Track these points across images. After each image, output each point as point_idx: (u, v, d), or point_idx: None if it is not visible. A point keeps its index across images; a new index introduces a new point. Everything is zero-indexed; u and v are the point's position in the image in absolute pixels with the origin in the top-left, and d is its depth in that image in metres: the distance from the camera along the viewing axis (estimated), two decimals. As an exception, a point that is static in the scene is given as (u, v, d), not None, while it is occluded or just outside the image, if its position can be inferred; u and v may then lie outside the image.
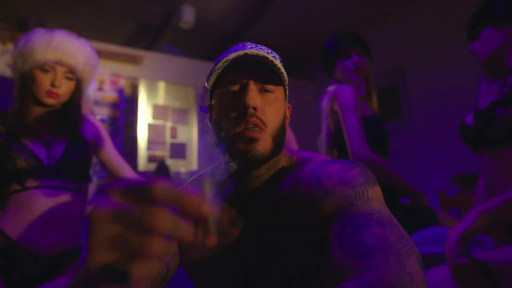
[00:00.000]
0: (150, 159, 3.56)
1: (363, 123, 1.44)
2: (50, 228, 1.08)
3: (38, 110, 1.18)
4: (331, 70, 1.63)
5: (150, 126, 3.64)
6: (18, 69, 1.17)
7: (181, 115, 3.85)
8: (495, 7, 1.08)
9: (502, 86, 1.03)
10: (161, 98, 3.74)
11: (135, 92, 3.63)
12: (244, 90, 0.64)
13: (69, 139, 1.20)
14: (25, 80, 1.16)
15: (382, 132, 1.52)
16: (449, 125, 2.92)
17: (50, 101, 1.17)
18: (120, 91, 3.63)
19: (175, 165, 3.65)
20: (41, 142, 1.15)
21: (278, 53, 0.73)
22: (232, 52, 0.65)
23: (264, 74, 0.65)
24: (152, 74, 3.86)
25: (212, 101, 0.70)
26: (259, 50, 0.64)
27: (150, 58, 3.90)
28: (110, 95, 3.58)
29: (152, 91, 3.68)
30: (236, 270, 0.67)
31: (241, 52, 0.62)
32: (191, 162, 3.80)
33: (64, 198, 1.12)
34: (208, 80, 0.68)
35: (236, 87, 0.65)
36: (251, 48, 0.66)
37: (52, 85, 1.15)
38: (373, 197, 0.59)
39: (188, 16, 3.37)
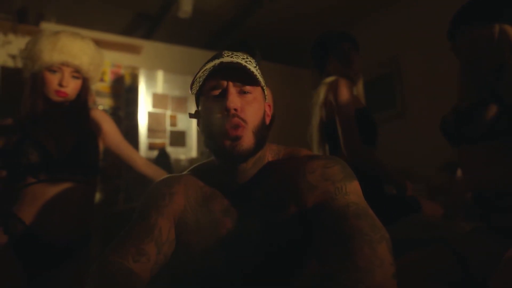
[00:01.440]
0: (151, 147, 3.64)
1: (356, 115, 1.53)
2: (62, 218, 1.18)
3: (48, 107, 1.26)
4: (323, 65, 1.70)
5: (150, 115, 3.71)
6: (28, 70, 1.25)
7: (180, 103, 3.91)
8: (486, 4, 1.11)
9: (484, 86, 1.10)
10: (160, 87, 3.79)
11: (135, 81, 3.69)
12: (225, 93, 0.72)
13: (78, 134, 1.28)
14: (35, 80, 1.24)
15: (371, 125, 1.61)
16: (441, 114, 2.98)
17: (59, 99, 1.25)
18: (121, 81, 3.69)
19: (175, 153, 3.73)
20: (52, 138, 1.24)
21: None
22: (209, 62, 0.73)
23: (242, 77, 0.73)
24: (151, 63, 3.90)
25: (199, 107, 0.79)
26: (234, 58, 0.72)
27: (149, 47, 3.94)
28: (111, 85, 3.64)
29: (151, 80, 3.73)
30: (227, 254, 0.75)
31: (217, 61, 0.71)
32: (191, 149, 3.89)
33: (75, 190, 1.22)
34: (191, 88, 0.76)
35: (217, 92, 0.73)
36: (227, 56, 0.73)
37: (60, 84, 1.22)
38: (351, 192, 0.68)
39: (186, 4, 3.40)
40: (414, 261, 1.08)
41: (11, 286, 0.94)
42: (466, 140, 1.10)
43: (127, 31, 4.05)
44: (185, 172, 0.87)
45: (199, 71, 0.73)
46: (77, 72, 1.27)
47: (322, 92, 1.60)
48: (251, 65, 0.74)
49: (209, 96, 0.74)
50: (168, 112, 3.82)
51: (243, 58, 0.74)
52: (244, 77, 0.73)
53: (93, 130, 1.35)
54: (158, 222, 0.75)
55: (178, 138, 3.85)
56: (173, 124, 3.83)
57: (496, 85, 1.03)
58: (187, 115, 3.89)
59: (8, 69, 3.22)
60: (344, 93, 1.51)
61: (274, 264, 0.73)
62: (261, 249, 0.73)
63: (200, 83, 0.75)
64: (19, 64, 3.21)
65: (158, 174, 1.39)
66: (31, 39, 1.27)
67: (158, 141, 3.67)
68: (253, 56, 1.75)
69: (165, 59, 4.05)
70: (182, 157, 3.77)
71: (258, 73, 0.76)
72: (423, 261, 1.07)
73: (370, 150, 1.54)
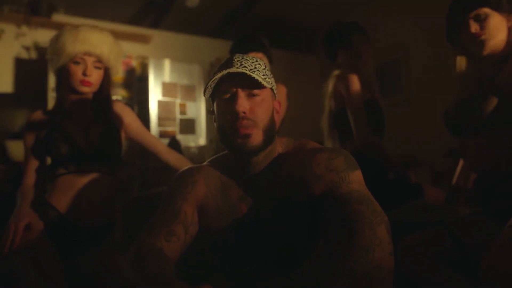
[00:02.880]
0: (161, 134, 3.73)
1: (364, 106, 1.60)
2: (90, 206, 1.27)
3: (74, 98, 1.35)
4: (333, 57, 1.76)
5: (160, 103, 3.79)
6: (54, 65, 1.33)
7: (189, 92, 3.98)
8: None
9: (488, 77, 1.16)
10: (170, 75, 3.86)
11: (145, 70, 3.76)
12: (234, 97, 0.80)
13: (104, 127, 1.36)
14: (61, 74, 1.33)
15: (379, 115, 1.68)
16: (448, 101, 3.01)
17: (85, 89, 1.33)
18: (132, 71, 3.76)
19: (185, 140, 3.82)
20: (80, 130, 1.32)
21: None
22: (220, 70, 0.81)
23: (250, 81, 0.80)
24: (159, 52, 3.96)
25: (214, 107, 0.87)
26: (241, 68, 0.79)
27: (158, 36, 3.99)
28: (123, 75, 3.71)
29: (160, 69, 3.80)
30: (243, 236, 0.84)
31: (224, 72, 0.78)
32: (200, 137, 3.97)
33: (101, 180, 1.31)
34: (204, 93, 0.85)
35: (228, 95, 0.81)
36: (236, 63, 0.80)
37: (84, 74, 1.30)
38: (354, 180, 0.76)
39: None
40: (416, 242, 1.16)
41: (49, 265, 1.04)
42: (466, 130, 1.16)
43: (135, 21, 4.09)
44: (204, 163, 0.95)
45: (210, 80, 0.82)
46: (99, 62, 1.34)
47: (331, 84, 1.67)
48: (260, 68, 0.81)
49: (221, 99, 0.82)
50: (178, 101, 3.89)
51: (252, 63, 0.81)
52: (252, 82, 0.80)
53: (116, 123, 1.42)
54: (183, 207, 0.85)
55: (188, 126, 3.93)
56: (183, 112, 3.91)
57: (495, 78, 1.09)
58: (196, 103, 3.99)
59: (22, 61, 3.31)
60: (352, 86, 1.58)
61: (285, 245, 0.82)
62: (272, 232, 0.82)
63: (213, 88, 0.83)
64: (33, 55, 3.30)
65: (181, 161, 1.45)
66: (54, 36, 1.34)
67: (168, 129, 3.76)
68: (262, 49, 1.82)
69: (174, 48, 4.10)
70: (192, 144, 3.86)
71: (267, 75, 0.83)
72: (424, 243, 1.16)
73: (378, 141, 1.62)
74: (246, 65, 0.80)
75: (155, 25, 4.17)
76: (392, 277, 0.64)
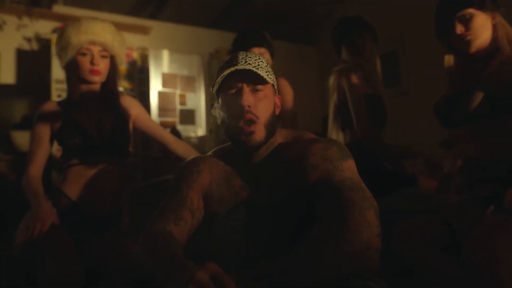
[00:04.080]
0: (162, 125, 3.76)
1: (365, 100, 1.66)
2: (101, 195, 1.34)
3: (84, 90, 1.40)
4: (338, 52, 1.84)
5: (160, 94, 3.83)
6: (63, 60, 1.38)
7: (189, 82, 4.02)
8: None
9: (474, 73, 1.22)
10: (169, 66, 3.89)
11: (145, 62, 3.79)
12: (240, 92, 0.86)
13: (114, 120, 1.41)
14: (70, 67, 1.38)
15: (381, 110, 1.74)
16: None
17: (94, 78, 1.38)
18: (133, 63, 3.78)
19: (185, 131, 3.86)
20: (93, 123, 1.38)
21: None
22: (226, 66, 0.87)
23: (254, 77, 0.86)
24: (159, 43, 3.98)
25: (219, 101, 0.92)
26: (246, 65, 0.85)
27: (157, 27, 4.00)
28: (124, 67, 3.74)
29: (160, 60, 3.83)
30: (245, 221, 0.90)
31: (232, 69, 0.84)
32: (200, 127, 4.02)
33: (111, 170, 1.38)
34: (212, 89, 0.91)
35: (233, 91, 0.87)
36: (241, 60, 0.86)
37: (92, 63, 1.35)
38: (346, 169, 0.83)
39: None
40: (410, 229, 1.23)
41: (65, 251, 1.11)
42: (454, 122, 1.22)
43: (134, 12, 4.09)
44: (208, 154, 1.01)
45: (217, 76, 0.88)
46: (104, 51, 1.39)
47: (332, 79, 1.76)
48: (263, 65, 0.87)
49: (227, 94, 0.88)
50: (178, 91, 3.93)
51: (255, 60, 0.88)
52: (255, 78, 0.86)
53: (125, 115, 1.47)
54: (189, 194, 0.91)
55: (188, 117, 3.98)
56: (183, 103, 3.95)
57: (481, 74, 1.16)
58: (196, 94, 4.03)
59: (24, 52, 3.34)
60: (351, 81, 1.65)
61: (284, 228, 0.89)
62: (272, 217, 0.88)
63: (219, 84, 0.89)
64: (34, 46, 3.33)
65: (188, 151, 1.51)
66: (58, 33, 1.40)
67: (169, 119, 3.81)
68: (265, 45, 1.86)
69: (173, 39, 4.12)
70: (192, 134, 3.91)
71: (269, 71, 0.89)
72: (417, 229, 1.23)
73: (377, 133, 1.69)
74: (250, 62, 0.86)
75: (154, 16, 4.18)
76: (379, 256, 0.71)
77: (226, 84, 0.88)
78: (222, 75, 0.86)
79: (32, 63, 3.32)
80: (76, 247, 1.17)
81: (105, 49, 1.39)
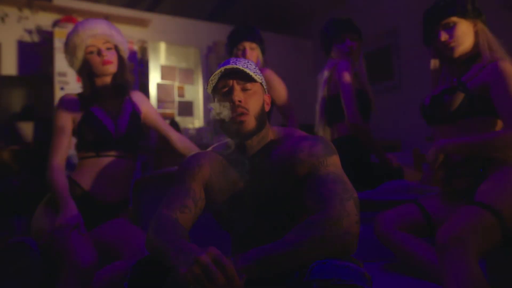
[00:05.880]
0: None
1: (355, 94, 1.78)
2: (111, 186, 1.44)
3: (99, 83, 1.48)
4: (328, 51, 1.93)
5: (159, 86, 3.91)
6: (76, 64, 1.48)
7: (187, 75, 4.09)
8: (466, 1, 1.30)
9: (457, 75, 1.32)
10: (168, 59, 3.95)
11: (145, 54, 3.85)
12: (231, 90, 0.97)
13: (129, 117, 1.50)
14: (84, 68, 1.47)
15: (368, 104, 1.87)
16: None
17: (108, 68, 1.45)
18: (134, 55, 3.84)
19: (183, 122, 3.95)
20: (110, 119, 1.46)
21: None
22: (218, 69, 0.98)
23: (243, 77, 0.98)
24: (158, 36, 4.04)
25: (214, 100, 1.03)
26: (236, 65, 0.96)
27: (156, 20, 4.05)
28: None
29: (159, 52, 3.89)
30: (242, 209, 1.01)
31: (222, 68, 0.96)
32: (198, 118, 4.11)
33: (123, 164, 1.48)
34: (207, 87, 1.02)
35: (226, 89, 0.98)
36: (231, 63, 0.97)
37: (101, 55, 1.44)
38: (330, 164, 0.94)
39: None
40: (392, 217, 1.35)
41: (80, 238, 1.22)
42: (437, 120, 1.33)
43: (131, 4, 4.12)
44: (208, 149, 1.12)
45: (211, 76, 0.99)
46: (108, 42, 1.46)
47: (325, 73, 1.87)
48: (251, 67, 0.99)
49: (220, 92, 1.00)
50: (176, 84, 4.00)
51: (244, 63, 0.99)
52: (245, 78, 0.98)
53: (137, 112, 1.56)
54: (192, 185, 1.02)
55: (186, 108, 4.06)
56: (181, 95, 4.03)
57: (463, 77, 1.26)
58: (194, 86, 4.12)
59: (25, 44, 3.39)
60: (345, 75, 1.77)
61: (274, 216, 1.00)
62: (265, 206, 1.00)
63: (213, 84, 1.01)
64: (35, 38, 3.38)
65: (189, 148, 1.60)
66: (64, 45, 1.49)
67: (168, 111, 3.89)
68: (257, 41, 1.96)
69: (171, 32, 4.17)
70: (190, 126, 4.00)
71: (257, 72, 1.01)
72: (398, 217, 1.34)
73: (366, 124, 1.82)
74: (239, 63, 0.98)
75: (151, 8, 4.21)
76: (357, 240, 0.82)
77: (219, 84, 0.99)
78: (214, 75, 0.98)
79: (33, 54, 3.38)
80: (89, 232, 1.28)
81: (107, 40, 1.46)
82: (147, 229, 0.94)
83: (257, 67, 1.03)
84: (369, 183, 1.64)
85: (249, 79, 0.98)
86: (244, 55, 1.94)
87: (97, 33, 1.44)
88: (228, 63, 0.99)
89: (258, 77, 0.99)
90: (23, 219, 2.72)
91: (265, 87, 1.05)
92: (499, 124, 1.27)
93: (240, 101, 0.95)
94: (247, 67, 0.97)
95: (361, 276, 0.74)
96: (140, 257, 0.89)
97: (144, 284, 0.81)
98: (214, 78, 0.99)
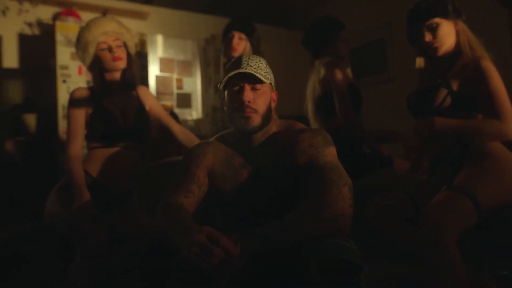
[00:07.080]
0: (160, 108, 3.92)
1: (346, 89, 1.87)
2: (119, 175, 1.53)
3: (109, 77, 1.55)
4: (323, 47, 1.99)
5: (158, 78, 3.96)
6: (87, 61, 1.55)
7: (185, 67, 4.15)
8: (447, 2, 1.38)
9: (440, 72, 1.41)
10: (166, 51, 4.00)
11: (143, 47, 3.90)
12: (241, 90, 1.05)
13: (137, 110, 1.58)
14: (96, 64, 1.54)
15: (358, 97, 1.95)
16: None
17: (118, 64, 1.53)
18: (133, 48, 3.89)
19: (182, 114, 4.01)
20: (120, 113, 1.54)
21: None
22: (231, 69, 1.05)
23: (254, 78, 1.05)
24: (156, 28, 4.08)
25: (225, 95, 1.12)
26: (248, 69, 1.03)
27: (154, 12, 4.09)
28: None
29: (157, 45, 3.94)
30: (245, 195, 1.10)
31: (236, 71, 1.03)
32: (196, 110, 4.18)
33: (130, 155, 1.56)
34: (219, 85, 1.09)
35: (237, 88, 1.06)
36: (244, 63, 1.05)
37: (112, 52, 1.51)
38: (328, 154, 1.03)
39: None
40: (381, 203, 1.45)
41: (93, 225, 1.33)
42: (422, 113, 1.43)
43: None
44: (211, 139, 1.21)
45: (224, 75, 1.06)
46: (118, 40, 1.54)
47: (318, 72, 1.95)
48: (262, 66, 1.06)
49: (231, 90, 1.08)
50: (175, 76, 4.06)
51: (256, 62, 1.06)
52: (255, 78, 1.05)
53: (143, 106, 1.64)
54: (196, 172, 1.10)
55: (184, 100, 4.12)
56: (179, 87, 4.09)
57: (446, 74, 1.36)
58: (192, 79, 4.18)
59: (26, 37, 3.44)
60: (337, 74, 1.87)
61: (275, 202, 1.09)
62: (266, 192, 1.09)
63: (225, 82, 1.08)
64: (36, 31, 3.43)
65: (190, 140, 1.68)
66: (75, 41, 1.56)
67: (166, 103, 3.96)
68: (248, 32, 2.03)
69: (170, 24, 4.22)
70: (189, 117, 4.06)
71: (268, 72, 1.08)
72: (387, 203, 1.44)
73: (358, 118, 1.91)
74: (252, 64, 1.05)
75: (149, 1, 4.24)
76: (350, 221, 0.92)
77: (231, 82, 1.07)
78: (228, 76, 1.04)
79: (34, 47, 3.43)
80: (100, 218, 1.38)
81: (117, 38, 1.54)
82: (151, 215, 1.03)
83: (267, 66, 1.10)
84: (361, 171, 1.74)
85: (259, 81, 1.05)
86: (230, 43, 2.01)
87: (109, 30, 1.51)
88: (240, 62, 1.06)
89: (267, 77, 1.07)
90: (27, 207, 2.81)
91: (273, 85, 1.13)
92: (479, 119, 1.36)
93: (249, 102, 1.03)
94: (258, 67, 1.05)
95: (353, 252, 0.84)
96: (148, 241, 0.98)
97: (156, 263, 0.91)
98: (227, 79, 1.06)
